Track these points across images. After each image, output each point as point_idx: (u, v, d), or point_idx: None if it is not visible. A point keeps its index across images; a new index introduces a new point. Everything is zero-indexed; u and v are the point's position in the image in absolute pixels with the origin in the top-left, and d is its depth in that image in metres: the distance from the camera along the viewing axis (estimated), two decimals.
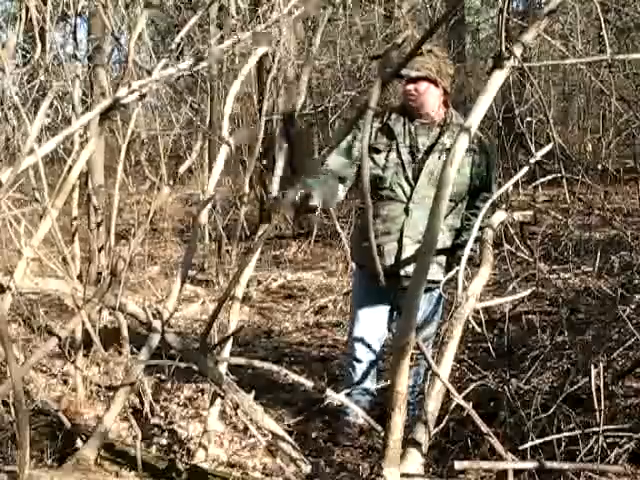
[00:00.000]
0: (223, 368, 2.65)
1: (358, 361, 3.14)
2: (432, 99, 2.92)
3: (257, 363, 2.59)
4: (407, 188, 2.94)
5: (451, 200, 2.80)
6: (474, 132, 1.94)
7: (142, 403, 3.21)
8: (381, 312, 3.11)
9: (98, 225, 3.30)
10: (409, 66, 2.82)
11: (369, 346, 3.11)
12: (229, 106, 2.98)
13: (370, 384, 3.18)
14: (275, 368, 2.55)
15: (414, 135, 2.95)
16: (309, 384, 2.47)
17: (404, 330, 1.92)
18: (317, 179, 2.86)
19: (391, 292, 2.95)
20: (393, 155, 2.94)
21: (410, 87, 2.90)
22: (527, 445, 2.24)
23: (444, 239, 2.96)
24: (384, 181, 2.95)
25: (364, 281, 3.12)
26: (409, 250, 2.94)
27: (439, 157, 2.90)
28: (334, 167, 2.93)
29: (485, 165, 3.01)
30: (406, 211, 2.94)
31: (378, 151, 2.96)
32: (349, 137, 2.92)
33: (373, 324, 3.11)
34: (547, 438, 2.35)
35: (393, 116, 2.98)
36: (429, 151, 2.94)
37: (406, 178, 2.94)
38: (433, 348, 3.06)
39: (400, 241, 2.95)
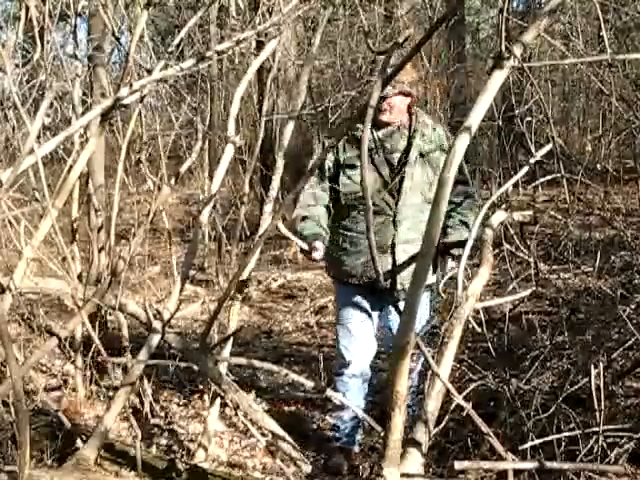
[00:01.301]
0: (223, 368, 2.65)
1: (348, 376, 2.99)
2: (402, 108, 2.88)
3: (257, 363, 2.59)
4: (391, 200, 2.86)
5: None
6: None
7: (142, 403, 3.21)
8: (366, 324, 2.99)
9: (100, 228, 3.30)
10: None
11: (357, 362, 2.98)
12: (236, 106, 2.97)
13: (360, 401, 3.00)
14: (275, 368, 2.56)
15: (384, 143, 2.89)
16: (309, 384, 2.47)
17: (404, 330, 1.91)
18: (306, 225, 2.85)
19: (376, 303, 2.92)
20: (370, 168, 2.81)
21: (384, 105, 2.81)
22: (527, 445, 2.24)
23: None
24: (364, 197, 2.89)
25: (344, 295, 3.01)
26: (403, 259, 2.86)
27: (415, 160, 2.85)
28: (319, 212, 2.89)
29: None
30: (394, 223, 2.86)
31: (352, 167, 2.87)
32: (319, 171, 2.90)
33: (360, 338, 2.97)
34: (547, 438, 2.35)
35: (359, 127, 2.91)
36: (405, 157, 2.87)
37: (388, 189, 2.85)
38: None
39: (393, 253, 2.87)
